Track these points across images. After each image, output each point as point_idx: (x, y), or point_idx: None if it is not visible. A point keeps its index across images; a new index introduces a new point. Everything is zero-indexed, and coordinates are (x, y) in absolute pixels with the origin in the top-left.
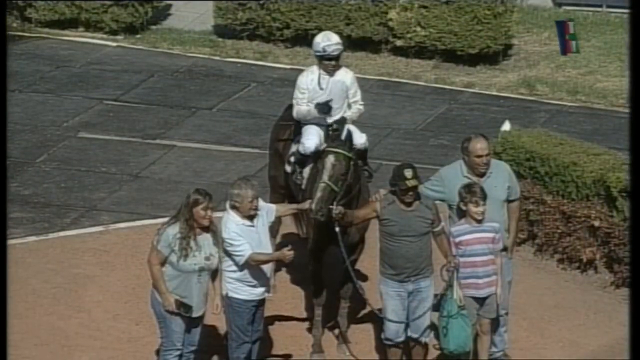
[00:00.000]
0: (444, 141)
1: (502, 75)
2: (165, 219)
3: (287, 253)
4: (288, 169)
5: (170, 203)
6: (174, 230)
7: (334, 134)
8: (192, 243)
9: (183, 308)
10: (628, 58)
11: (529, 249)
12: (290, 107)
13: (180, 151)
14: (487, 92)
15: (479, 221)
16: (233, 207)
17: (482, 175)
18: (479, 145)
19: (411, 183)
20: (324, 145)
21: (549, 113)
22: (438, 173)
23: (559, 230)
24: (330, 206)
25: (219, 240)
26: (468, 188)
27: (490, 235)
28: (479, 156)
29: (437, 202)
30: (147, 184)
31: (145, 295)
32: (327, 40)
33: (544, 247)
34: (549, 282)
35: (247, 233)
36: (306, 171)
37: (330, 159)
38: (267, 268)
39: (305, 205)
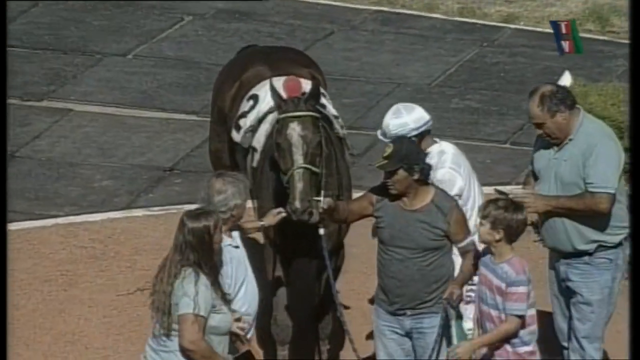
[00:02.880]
0: (473, 102)
1: (560, 4)
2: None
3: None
4: (236, 136)
5: (65, 196)
6: (203, 281)
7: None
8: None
9: None
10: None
11: None
12: (247, 47)
13: (79, 118)
14: (537, 29)
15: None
16: (226, 221)
17: (556, 144)
18: (529, 110)
19: (379, 163)
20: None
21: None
22: None
23: None
24: (316, 198)
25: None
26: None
27: (496, 282)
28: (531, 121)
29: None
30: (30, 166)
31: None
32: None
33: None
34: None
35: (236, 258)
36: (260, 138)
37: (296, 130)
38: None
39: (270, 219)
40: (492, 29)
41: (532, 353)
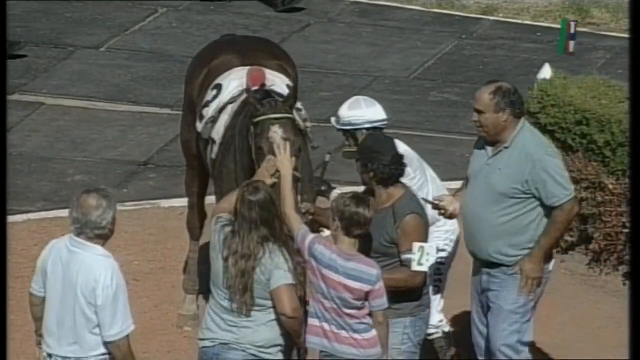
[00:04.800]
0: (452, 96)
1: None
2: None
3: None
4: (199, 126)
5: (38, 191)
6: (286, 251)
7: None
8: None
9: None
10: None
11: (582, 258)
12: (225, 36)
13: (52, 112)
14: (516, 21)
15: None
16: (106, 237)
17: (489, 143)
18: (477, 94)
19: (345, 149)
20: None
21: (610, 52)
22: None
23: (626, 230)
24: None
25: None
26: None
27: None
28: (474, 105)
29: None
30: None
31: None
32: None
33: (603, 254)
34: (611, 307)
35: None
36: (219, 130)
37: (278, 133)
38: None
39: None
40: (471, 21)
41: None
